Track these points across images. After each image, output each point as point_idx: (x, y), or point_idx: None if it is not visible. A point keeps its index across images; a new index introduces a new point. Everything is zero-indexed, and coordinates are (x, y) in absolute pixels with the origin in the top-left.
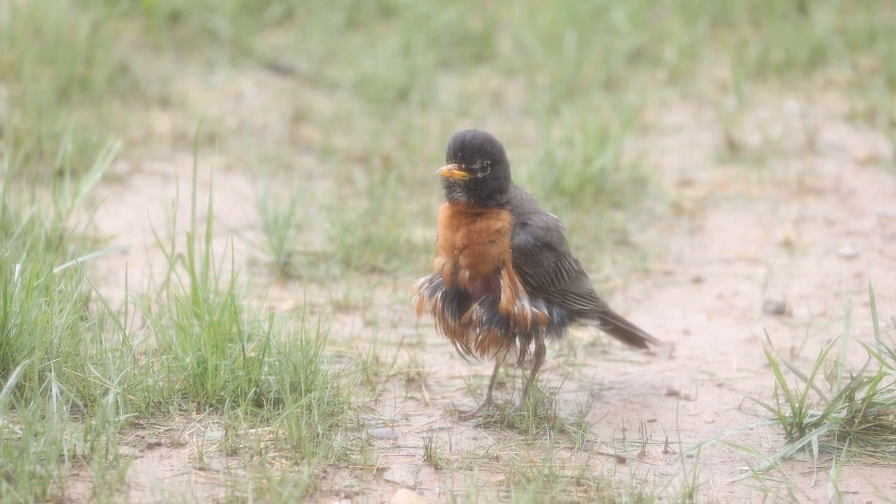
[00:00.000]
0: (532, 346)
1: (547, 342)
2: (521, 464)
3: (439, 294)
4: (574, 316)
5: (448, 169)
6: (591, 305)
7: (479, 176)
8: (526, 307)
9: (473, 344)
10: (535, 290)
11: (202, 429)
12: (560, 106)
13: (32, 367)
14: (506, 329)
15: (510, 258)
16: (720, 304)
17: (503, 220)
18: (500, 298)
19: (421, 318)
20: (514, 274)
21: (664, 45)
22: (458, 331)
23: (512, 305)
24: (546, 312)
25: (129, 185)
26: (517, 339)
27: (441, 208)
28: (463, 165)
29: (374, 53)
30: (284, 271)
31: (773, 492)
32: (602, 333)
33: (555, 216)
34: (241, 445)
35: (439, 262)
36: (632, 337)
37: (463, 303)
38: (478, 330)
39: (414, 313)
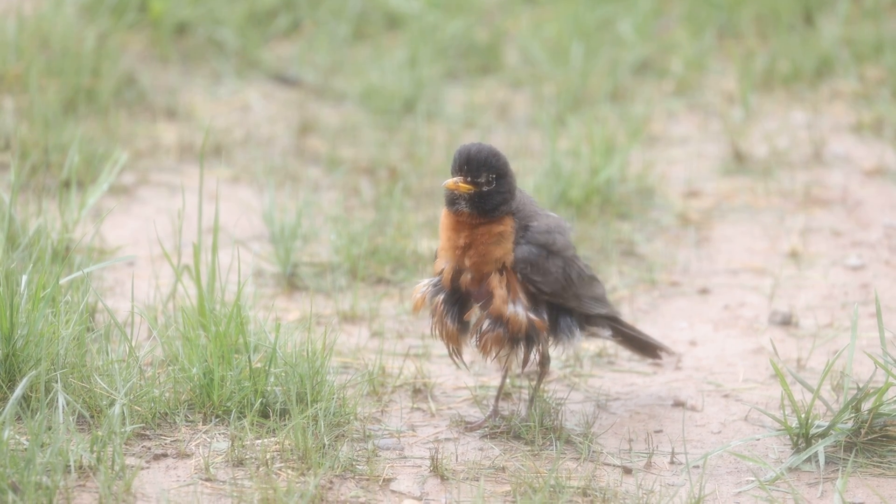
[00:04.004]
0: (535, 355)
1: (558, 350)
2: (528, 474)
3: (441, 297)
4: (585, 325)
5: (454, 182)
6: (606, 309)
7: (485, 189)
8: (520, 312)
9: (478, 345)
10: (551, 297)
11: (208, 440)
12: (566, 117)
13: (39, 378)
14: (506, 328)
15: (511, 262)
16: (727, 315)
17: (506, 224)
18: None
19: (417, 314)
20: (516, 281)
21: (671, 57)
22: (454, 335)
23: (504, 307)
24: (544, 319)
25: (136, 197)
26: (521, 346)
27: (444, 213)
28: (468, 179)
29: (380, 65)
30: (291, 282)
31: (780, 502)
32: (609, 344)
33: (557, 215)
34: (247, 456)
35: (440, 264)
36: (643, 346)
37: (463, 307)
38: (480, 331)
39: (420, 324)
